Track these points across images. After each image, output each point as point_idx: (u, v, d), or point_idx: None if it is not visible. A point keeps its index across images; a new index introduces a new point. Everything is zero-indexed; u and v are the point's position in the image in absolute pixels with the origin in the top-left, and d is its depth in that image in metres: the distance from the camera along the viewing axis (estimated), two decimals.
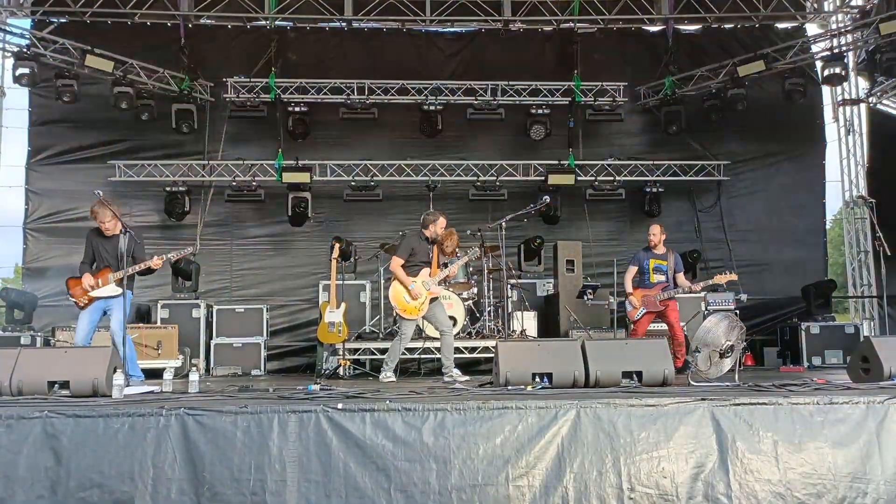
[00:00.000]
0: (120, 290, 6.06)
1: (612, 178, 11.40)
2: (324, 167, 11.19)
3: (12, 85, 10.49)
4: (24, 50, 9.93)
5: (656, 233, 7.81)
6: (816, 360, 9.80)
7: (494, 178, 11.22)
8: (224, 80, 10.92)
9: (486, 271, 9.10)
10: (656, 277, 7.67)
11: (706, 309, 9.43)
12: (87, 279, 6.17)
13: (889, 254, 6.64)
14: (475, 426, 3.97)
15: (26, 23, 10.75)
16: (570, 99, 11.21)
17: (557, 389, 4.97)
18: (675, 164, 11.51)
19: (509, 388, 5.00)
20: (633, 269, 7.83)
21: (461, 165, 11.32)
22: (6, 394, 4.70)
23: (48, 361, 4.95)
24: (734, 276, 7.47)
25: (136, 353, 6.46)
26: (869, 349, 5.40)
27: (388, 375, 7.08)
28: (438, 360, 9.09)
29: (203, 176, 11.13)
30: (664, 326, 7.97)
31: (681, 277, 7.73)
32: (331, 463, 3.88)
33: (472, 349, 8.44)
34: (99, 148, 11.11)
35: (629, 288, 7.77)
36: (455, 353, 8.39)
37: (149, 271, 6.30)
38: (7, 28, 10.25)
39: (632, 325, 7.82)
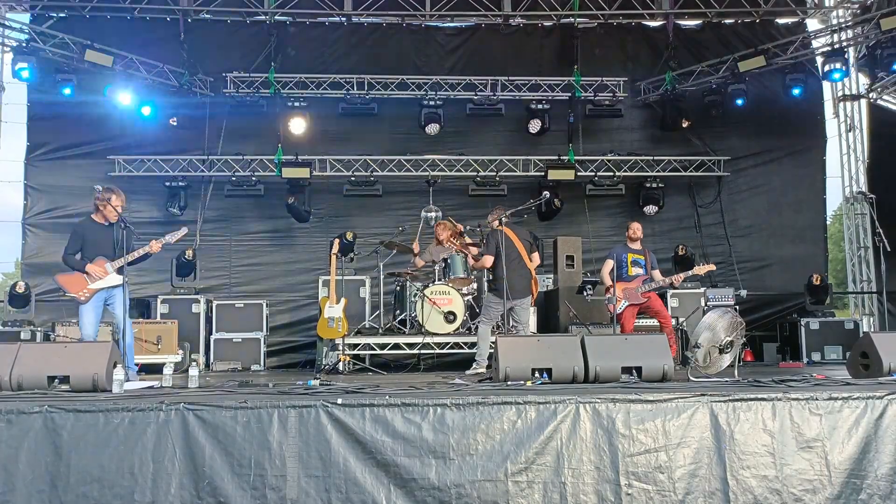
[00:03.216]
0: (121, 278, 6.08)
1: (611, 174, 11.40)
2: (323, 162, 11.19)
3: (11, 80, 10.48)
4: (24, 45, 9.91)
5: (638, 229, 7.95)
6: (816, 356, 9.79)
7: (494, 173, 11.22)
8: (224, 74, 10.92)
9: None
10: (635, 270, 7.74)
11: (706, 304, 9.44)
12: (97, 267, 6.15)
13: (889, 249, 6.63)
14: (475, 422, 3.98)
15: (25, 17, 10.74)
16: (570, 94, 11.20)
17: (557, 385, 4.97)
18: (675, 160, 11.51)
19: (509, 383, 5.00)
20: (609, 263, 7.84)
21: (461, 161, 11.32)
22: (6, 388, 4.70)
23: (48, 356, 4.94)
24: (712, 267, 7.61)
25: (133, 346, 6.48)
26: (868, 345, 5.40)
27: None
28: (438, 356, 9.17)
29: (202, 171, 11.12)
30: (655, 322, 7.99)
31: (657, 274, 7.80)
32: (330, 458, 3.89)
33: (472, 345, 8.43)
34: (98, 143, 11.08)
35: (608, 281, 7.76)
36: (454, 349, 8.44)
37: (145, 258, 6.32)
38: (6, 23, 10.23)
39: (617, 323, 7.80)
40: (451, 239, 8.56)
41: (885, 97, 11.66)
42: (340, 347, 8.15)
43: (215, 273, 11.19)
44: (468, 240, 8.61)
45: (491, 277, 7.40)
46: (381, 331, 8.92)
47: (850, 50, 10.72)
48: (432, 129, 10.94)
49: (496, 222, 6.97)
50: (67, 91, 10.09)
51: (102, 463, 3.82)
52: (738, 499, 3.96)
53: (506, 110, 11.12)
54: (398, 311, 9.11)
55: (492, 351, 5.94)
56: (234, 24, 11.14)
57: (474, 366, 7.19)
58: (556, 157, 11.27)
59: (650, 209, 11.38)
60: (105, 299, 6.30)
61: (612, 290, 7.67)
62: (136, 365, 6.48)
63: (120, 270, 6.13)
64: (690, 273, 7.78)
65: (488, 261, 7.16)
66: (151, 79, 10.53)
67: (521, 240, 7.21)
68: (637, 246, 7.93)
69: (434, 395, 4.24)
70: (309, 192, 11.15)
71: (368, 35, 11.56)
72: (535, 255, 7.45)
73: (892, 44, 9.59)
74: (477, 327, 7.69)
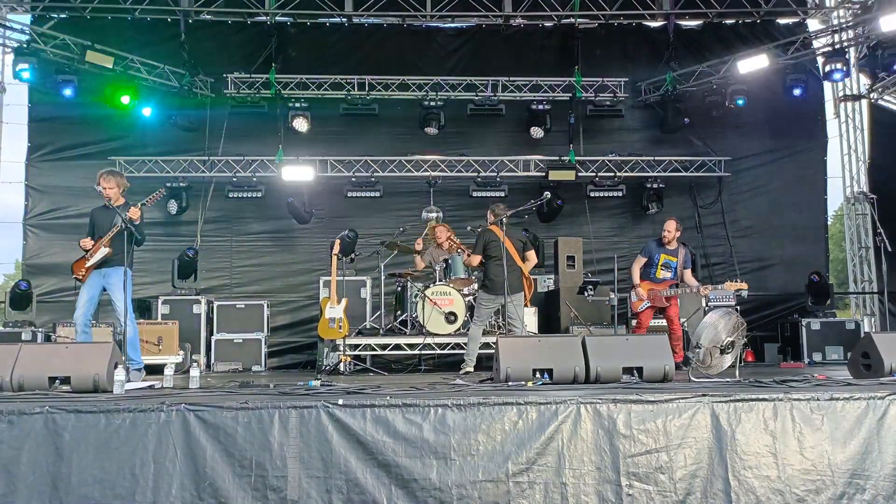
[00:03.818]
0: (107, 250, 6.24)
1: (612, 174, 11.40)
2: (324, 163, 11.19)
3: (12, 81, 10.49)
4: (24, 46, 9.92)
5: (671, 230, 7.64)
6: (817, 356, 9.79)
7: (495, 174, 11.22)
8: (224, 75, 10.92)
9: None
10: (663, 273, 7.60)
11: (707, 305, 9.42)
12: (86, 243, 6.34)
13: (890, 250, 6.64)
14: (476, 422, 3.98)
15: (26, 18, 10.76)
16: (570, 95, 11.20)
17: (558, 385, 4.97)
18: (675, 160, 11.50)
19: (510, 384, 5.00)
20: (641, 260, 7.73)
21: (462, 161, 11.31)
22: (7, 389, 4.71)
23: (49, 357, 4.95)
24: (744, 286, 7.28)
25: (138, 342, 6.49)
26: (870, 345, 5.41)
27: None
28: (439, 357, 9.15)
29: (203, 172, 11.12)
30: (664, 322, 7.96)
31: (688, 274, 7.65)
32: (332, 459, 3.88)
33: None
34: (99, 144, 11.07)
35: (636, 279, 7.67)
36: (455, 349, 8.44)
37: (140, 233, 6.36)
38: (7, 24, 10.25)
39: (633, 320, 7.80)
40: (452, 238, 8.58)
41: (885, 97, 11.66)
42: (341, 348, 8.15)
43: (216, 274, 11.20)
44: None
45: (482, 277, 7.47)
46: (381, 331, 8.92)
47: (851, 50, 10.71)
48: (431, 130, 10.94)
49: (490, 220, 7.19)
50: (68, 92, 10.09)
51: (103, 464, 3.82)
52: (741, 499, 3.95)
53: (506, 111, 11.13)
54: (399, 312, 9.11)
55: (492, 352, 5.94)
56: (234, 25, 11.14)
57: (463, 367, 7.21)
58: (556, 158, 11.27)
59: (652, 210, 11.38)
60: (102, 285, 6.37)
61: (637, 288, 7.61)
62: (141, 361, 6.47)
63: (119, 251, 6.20)
64: (721, 287, 7.61)
65: (475, 259, 7.31)
66: (152, 80, 10.53)
67: (511, 240, 7.25)
68: (672, 246, 7.67)
69: (435, 395, 4.24)
70: (309, 193, 11.15)
71: (369, 36, 11.56)
72: (530, 255, 7.42)
73: (893, 44, 9.59)
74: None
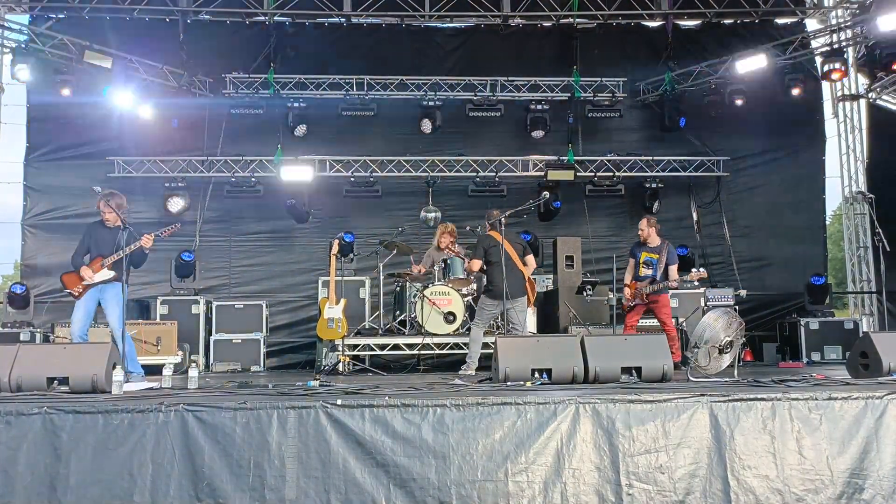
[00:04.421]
0: (112, 274, 6.20)
1: (611, 174, 11.40)
2: (323, 163, 11.18)
3: (11, 81, 10.48)
4: (23, 46, 9.91)
5: (643, 227, 7.79)
6: (815, 356, 9.79)
7: (494, 174, 11.22)
8: (223, 75, 10.92)
9: None
10: (644, 271, 7.71)
11: (705, 304, 9.43)
12: (86, 271, 6.31)
13: (888, 249, 6.64)
14: (474, 422, 3.98)
15: (24, 18, 10.75)
16: (569, 95, 11.20)
17: (556, 385, 4.98)
18: (674, 160, 11.50)
19: (508, 384, 5.00)
20: (630, 262, 7.91)
21: (460, 161, 11.31)
22: (5, 390, 4.70)
23: (47, 357, 4.95)
24: (704, 274, 7.46)
25: (135, 349, 6.50)
26: (868, 345, 5.41)
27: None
28: (438, 357, 9.14)
29: (202, 172, 11.11)
30: (657, 323, 7.98)
31: (673, 271, 7.68)
32: (330, 459, 3.88)
33: None
34: (97, 144, 11.05)
35: (626, 280, 7.85)
36: (454, 349, 8.45)
37: (142, 258, 6.35)
38: (5, 24, 10.24)
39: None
40: (451, 246, 8.60)
41: (884, 97, 11.67)
42: (340, 348, 8.15)
43: (215, 274, 11.18)
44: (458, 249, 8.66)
45: (485, 281, 7.49)
46: (380, 331, 8.91)
47: (850, 50, 10.72)
48: (426, 126, 10.92)
49: (488, 227, 7.26)
50: (66, 92, 10.06)
51: (102, 464, 3.81)
52: (740, 499, 3.95)
53: (505, 111, 11.12)
54: (398, 312, 9.11)
55: (492, 352, 5.94)
56: (233, 25, 11.13)
57: (464, 367, 7.21)
58: (555, 158, 11.27)
59: (652, 210, 11.37)
60: (99, 300, 6.34)
61: (625, 288, 7.72)
62: (142, 371, 6.48)
63: (116, 271, 6.18)
64: (686, 279, 7.65)
65: (475, 264, 7.37)
66: (150, 80, 10.52)
67: (511, 244, 7.25)
68: (653, 243, 7.70)
69: (434, 395, 4.24)
70: (308, 193, 11.15)
71: (368, 36, 11.55)
72: (530, 259, 7.45)
73: (891, 43, 9.59)
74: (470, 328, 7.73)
